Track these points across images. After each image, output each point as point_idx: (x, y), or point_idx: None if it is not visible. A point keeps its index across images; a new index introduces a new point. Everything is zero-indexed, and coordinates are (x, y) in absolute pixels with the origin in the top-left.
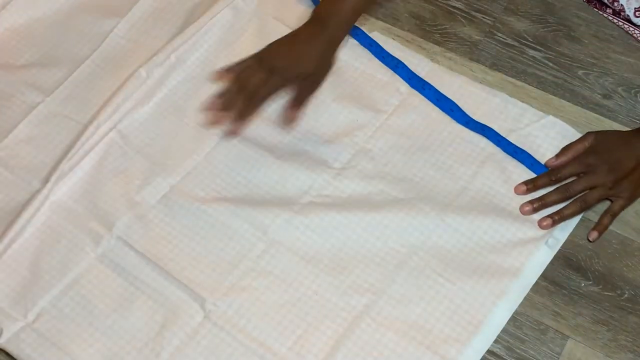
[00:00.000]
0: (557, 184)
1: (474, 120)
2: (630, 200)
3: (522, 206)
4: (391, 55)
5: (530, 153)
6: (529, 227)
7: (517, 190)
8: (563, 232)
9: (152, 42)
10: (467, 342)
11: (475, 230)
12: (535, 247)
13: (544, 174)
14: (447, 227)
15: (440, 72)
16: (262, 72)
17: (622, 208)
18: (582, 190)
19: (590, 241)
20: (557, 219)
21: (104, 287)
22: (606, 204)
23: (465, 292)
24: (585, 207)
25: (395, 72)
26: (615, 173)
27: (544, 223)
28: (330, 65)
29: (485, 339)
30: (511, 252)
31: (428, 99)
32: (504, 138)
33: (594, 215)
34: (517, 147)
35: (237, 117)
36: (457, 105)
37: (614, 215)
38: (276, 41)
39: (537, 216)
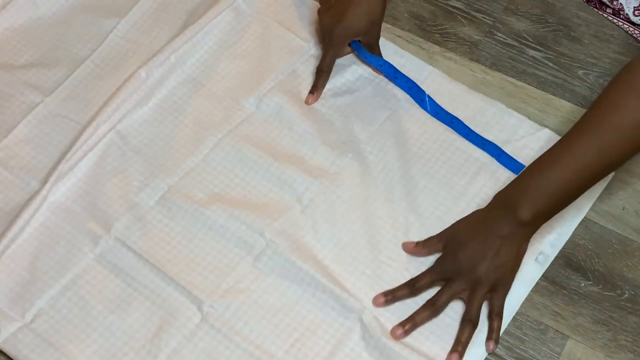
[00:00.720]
0: (416, 294)
1: (447, 112)
2: (503, 290)
3: (392, 330)
4: (389, 64)
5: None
6: None
7: (375, 301)
8: (554, 248)
9: (152, 42)
10: None
11: None
12: (524, 264)
13: (403, 285)
14: None
15: (439, 78)
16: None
17: (502, 301)
18: (448, 302)
19: (489, 353)
20: (408, 327)
21: (102, 288)
22: None
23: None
24: (435, 310)
25: (395, 83)
26: (471, 273)
27: (396, 333)
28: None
29: (476, 358)
30: None
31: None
32: (472, 130)
33: (594, 215)
34: (485, 138)
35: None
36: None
37: (499, 314)
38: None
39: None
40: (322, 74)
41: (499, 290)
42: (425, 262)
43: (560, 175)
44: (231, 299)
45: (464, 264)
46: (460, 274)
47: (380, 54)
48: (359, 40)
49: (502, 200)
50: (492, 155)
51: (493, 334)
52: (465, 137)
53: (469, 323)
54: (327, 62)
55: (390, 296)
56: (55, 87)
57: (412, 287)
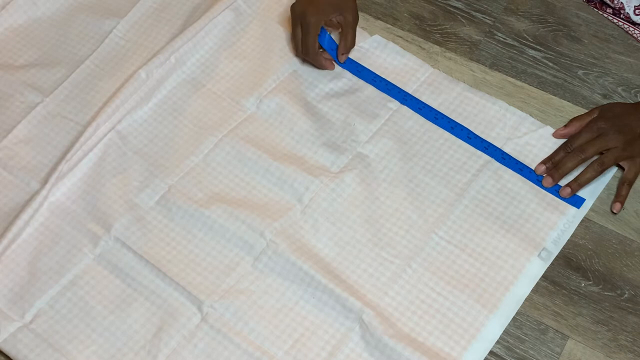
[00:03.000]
0: (571, 154)
1: (461, 126)
2: None
3: (543, 180)
4: (385, 80)
5: (526, 161)
6: (521, 239)
7: (537, 170)
8: (556, 244)
9: (151, 43)
10: (460, 358)
11: (467, 243)
12: (528, 260)
13: (559, 148)
14: (440, 240)
15: (440, 77)
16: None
17: (637, 174)
18: (596, 152)
19: (614, 213)
20: (575, 186)
21: (102, 288)
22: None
23: (458, 306)
24: (602, 169)
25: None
26: (625, 135)
27: (564, 192)
28: None
29: (478, 355)
30: (504, 265)
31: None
32: (491, 144)
33: (594, 215)
34: (505, 152)
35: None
36: (441, 114)
37: (631, 184)
38: None
39: (528, 229)
40: (314, 55)
41: (638, 162)
42: (428, 258)
43: None
44: (231, 300)
45: (621, 123)
46: (616, 131)
47: (354, 39)
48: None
49: None
50: (514, 170)
51: (621, 198)
52: (483, 152)
53: (598, 166)
54: (312, 44)
55: (550, 162)
56: (55, 87)
57: (567, 148)
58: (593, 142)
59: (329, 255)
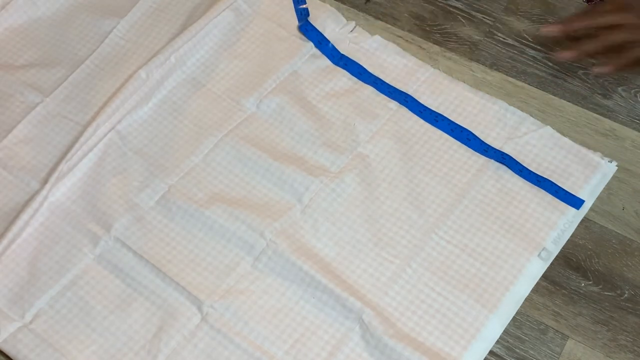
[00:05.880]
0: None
1: (461, 128)
2: None
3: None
4: (398, 90)
5: (526, 162)
6: (521, 239)
7: (544, 29)
8: (556, 244)
9: (151, 43)
10: (460, 358)
11: (467, 243)
12: (528, 260)
13: (580, 15)
14: (440, 240)
15: (440, 78)
16: None
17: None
18: (614, 22)
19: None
20: (576, 52)
21: (102, 288)
22: None
23: (458, 306)
24: (606, 44)
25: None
26: None
27: (563, 54)
28: None
29: (478, 355)
30: (504, 265)
31: (412, 110)
32: (490, 146)
33: (594, 214)
34: (505, 153)
35: None
36: (442, 115)
37: (636, 60)
38: None
39: (528, 229)
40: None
41: None
42: (428, 258)
43: None
44: (231, 300)
45: None
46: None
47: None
48: None
49: None
50: (514, 171)
51: (615, 65)
52: (482, 154)
53: (603, 41)
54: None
55: (567, 23)
56: (55, 87)
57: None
58: (614, 12)
59: (329, 255)
